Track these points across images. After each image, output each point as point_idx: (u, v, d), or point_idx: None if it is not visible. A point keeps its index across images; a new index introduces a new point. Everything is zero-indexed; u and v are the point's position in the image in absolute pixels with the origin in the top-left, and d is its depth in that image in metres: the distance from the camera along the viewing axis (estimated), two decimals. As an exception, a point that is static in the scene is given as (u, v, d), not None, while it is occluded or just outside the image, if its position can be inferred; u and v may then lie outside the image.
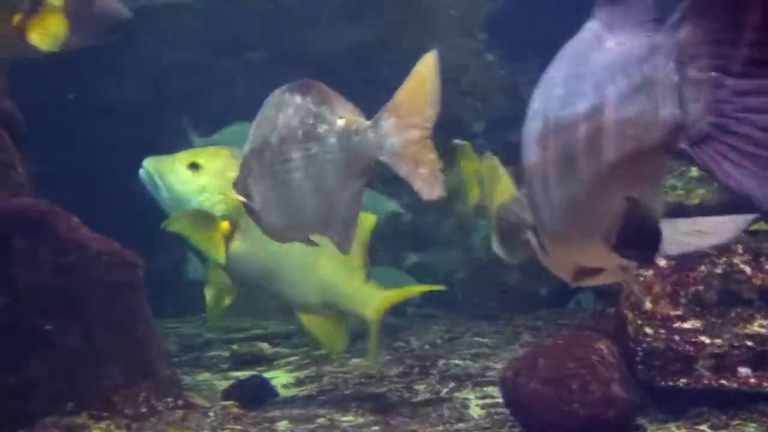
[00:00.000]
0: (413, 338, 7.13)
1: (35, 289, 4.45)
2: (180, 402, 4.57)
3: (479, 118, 9.07)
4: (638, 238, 1.84)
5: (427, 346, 6.76)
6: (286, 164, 3.08)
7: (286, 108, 3.11)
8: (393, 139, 2.87)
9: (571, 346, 4.15)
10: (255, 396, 5.42)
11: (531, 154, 2.10)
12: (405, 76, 2.95)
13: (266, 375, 6.22)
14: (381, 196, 7.37)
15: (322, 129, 3.02)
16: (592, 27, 1.97)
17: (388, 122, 2.89)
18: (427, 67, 2.88)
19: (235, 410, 4.60)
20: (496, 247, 2.76)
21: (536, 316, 7.58)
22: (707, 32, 1.60)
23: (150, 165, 4.86)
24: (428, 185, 2.81)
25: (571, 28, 2.13)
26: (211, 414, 4.56)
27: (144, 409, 4.50)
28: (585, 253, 2.02)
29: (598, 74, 1.86)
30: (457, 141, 5.76)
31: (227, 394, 5.31)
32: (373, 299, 4.82)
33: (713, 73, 1.60)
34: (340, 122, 3.00)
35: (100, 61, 6.68)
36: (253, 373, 6.41)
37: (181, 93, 7.86)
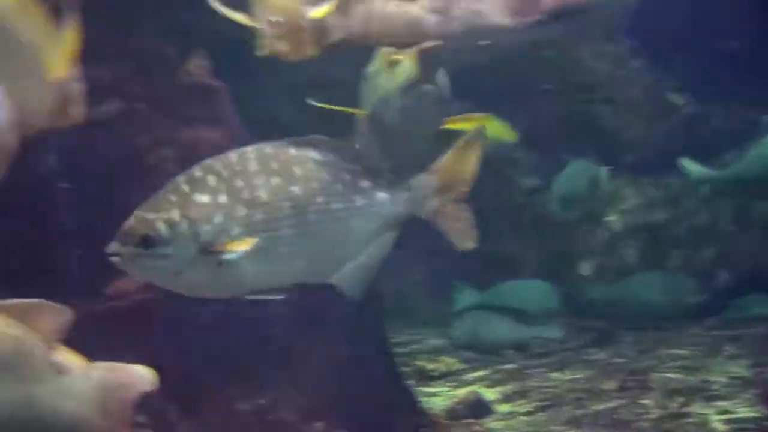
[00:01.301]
0: (593, 349, 7.02)
1: (283, 306, 4.41)
2: (424, 420, 4.52)
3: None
4: None
5: (618, 359, 6.64)
6: (322, 214, 3.18)
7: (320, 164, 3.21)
8: (434, 200, 3.30)
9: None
10: (474, 413, 5.36)
11: None
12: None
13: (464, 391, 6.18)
14: None
15: (365, 184, 3.25)
16: None
17: (432, 183, 3.30)
18: (470, 138, 3.35)
19: (479, 429, 4.53)
20: None
21: (707, 325, 7.43)
22: None
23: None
24: (462, 238, 3.29)
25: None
26: (457, 433, 4.51)
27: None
28: None
29: None
30: None
31: (453, 412, 5.26)
32: None
33: None
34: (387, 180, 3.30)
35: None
36: (446, 388, 6.38)
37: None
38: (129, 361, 4.42)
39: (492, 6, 3.42)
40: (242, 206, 3.13)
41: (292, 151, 3.21)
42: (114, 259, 3.12)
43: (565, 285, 7.71)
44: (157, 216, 3.15)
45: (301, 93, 4.52)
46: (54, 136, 4.44)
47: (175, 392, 4.49)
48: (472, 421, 4.67)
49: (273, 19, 3.85)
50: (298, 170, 3.20)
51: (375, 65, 4.41)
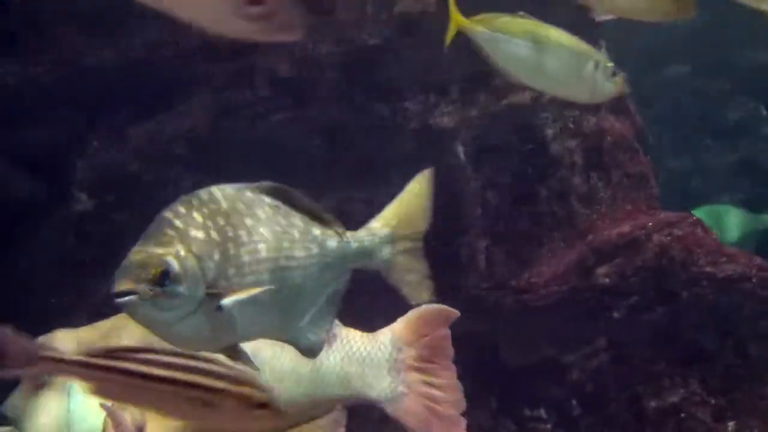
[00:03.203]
0: None
1: (693, 305, 4.30)
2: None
3: None
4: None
5: None
6: (289, 260, 2.85)
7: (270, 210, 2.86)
8: (386, 249, 2.98)
9: None
10: None
11: None
12: None
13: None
14: None
15: (316, 232, 2.89)
16: None
17: (381, 232, 2.98)
18: (421, 183, 3.07)
19: None
20: None
21: None
22: None
23: None
24: (416, 291, 2.97)
25: None
26: None
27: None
28: None
29: None
30: None
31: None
32: None
33: None
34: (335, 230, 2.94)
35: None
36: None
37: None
38: (541, 359, 4.47)
39: None
40: (231, 245, 2.80)
41: (249, 194, 2.87)
42: (124, 299, 2.64)
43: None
44: (165, 251, 2.73)
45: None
46: (461, 128, 4.48)
47: (579, 387, 4.46)
48: None
49: None
50: (261, 213, 2.88)
51: None
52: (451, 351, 3.41)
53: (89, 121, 4.48)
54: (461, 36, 4.31)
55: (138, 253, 2.69)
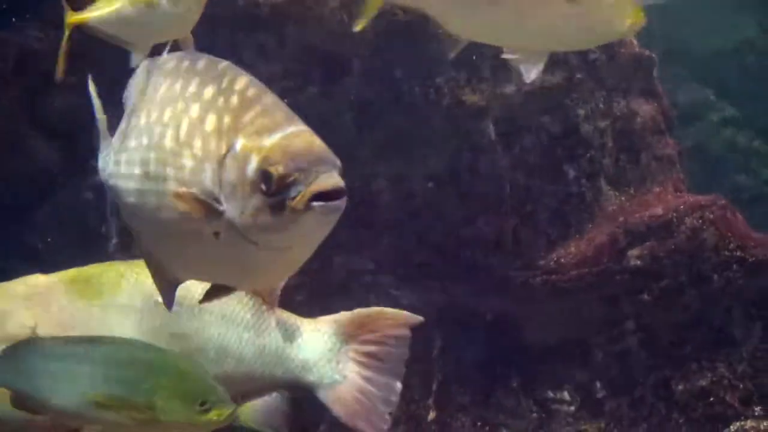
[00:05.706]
0: None
1: (723, 289, 4.28)
2: None
3: None
4: None
5: None
6: None
7: None
8: None
9: None
10: None
11: None
12: None
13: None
14: None
15: None
16: None
17: None
18: None
19: None
20: None
21: None
22: None
23: None
24: None
25: None
26: None
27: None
28: None
29: None
30: None
31: None
32: None
33: None
34: None
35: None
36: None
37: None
38: (567, 340, 4.43)
39: None
40: None
41: None
42: (337, 203, 2.00)
43: None
44: None
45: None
46: (491, 106, 4.42)
47: (604, 370, 4.44)
48: None
49: None
50: None
51: None
52: (404, 353, 3.32)
53: (110, 90, 4.36)
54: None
55: (311, 136, 2.07)
